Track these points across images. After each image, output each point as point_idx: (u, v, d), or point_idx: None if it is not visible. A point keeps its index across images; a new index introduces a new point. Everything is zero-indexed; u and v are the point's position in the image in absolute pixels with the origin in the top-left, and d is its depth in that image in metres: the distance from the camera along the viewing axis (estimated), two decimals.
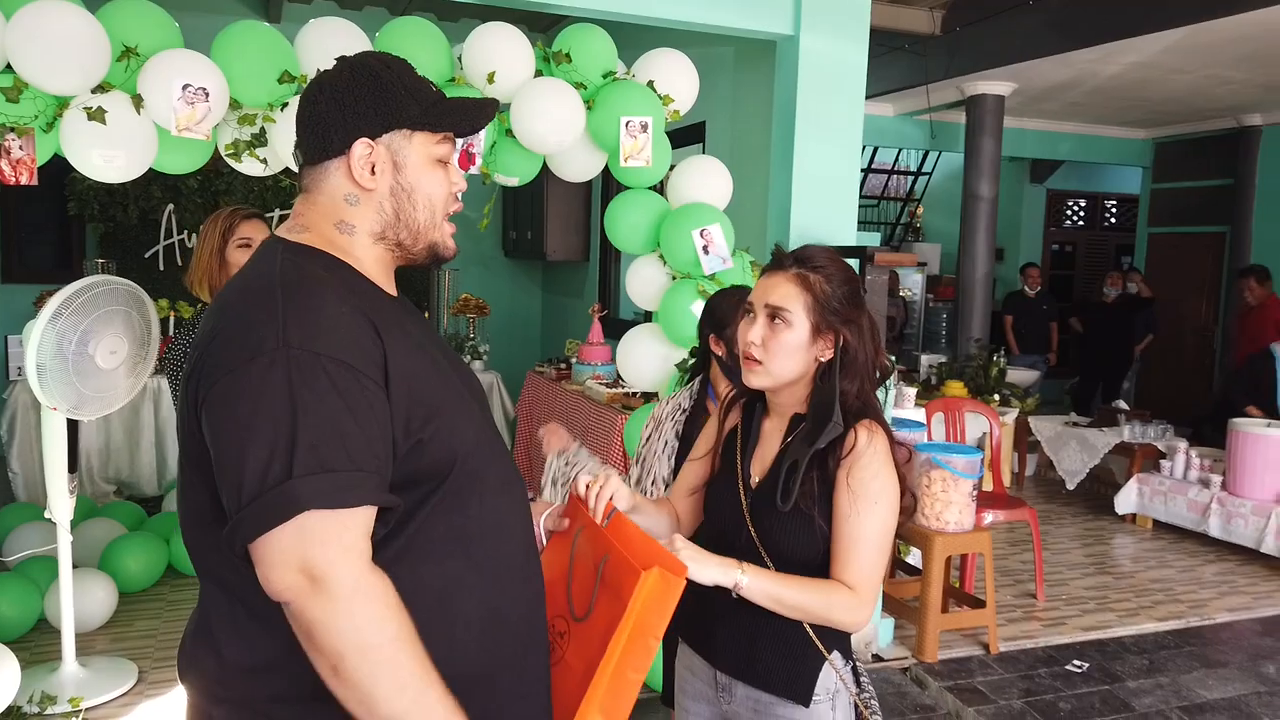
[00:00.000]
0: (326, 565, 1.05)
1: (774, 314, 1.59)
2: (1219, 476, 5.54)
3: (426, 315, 6.31)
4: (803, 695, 1.60)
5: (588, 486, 1.50)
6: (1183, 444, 5.96)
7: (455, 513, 1.21)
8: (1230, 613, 4.59)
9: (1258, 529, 5.22)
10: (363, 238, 1.26)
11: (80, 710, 3.09)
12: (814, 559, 1.58)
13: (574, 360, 5.29)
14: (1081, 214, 11.98)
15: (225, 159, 2.87)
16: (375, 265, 1.28)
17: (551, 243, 6.55)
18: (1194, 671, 3.87)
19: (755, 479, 1.66)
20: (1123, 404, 6.85)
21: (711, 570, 1.48)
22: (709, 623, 1.64)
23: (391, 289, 1.32)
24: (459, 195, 1.33)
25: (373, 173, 1.24)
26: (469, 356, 5.94)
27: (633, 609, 1.29)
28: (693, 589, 1.50)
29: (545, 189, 6.39)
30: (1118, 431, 6.26)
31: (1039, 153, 9.47)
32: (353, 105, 1.23)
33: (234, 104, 2.74)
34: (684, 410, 2.44)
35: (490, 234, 7.39)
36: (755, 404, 1.72)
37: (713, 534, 1.66)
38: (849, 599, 1.54)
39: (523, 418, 5.59)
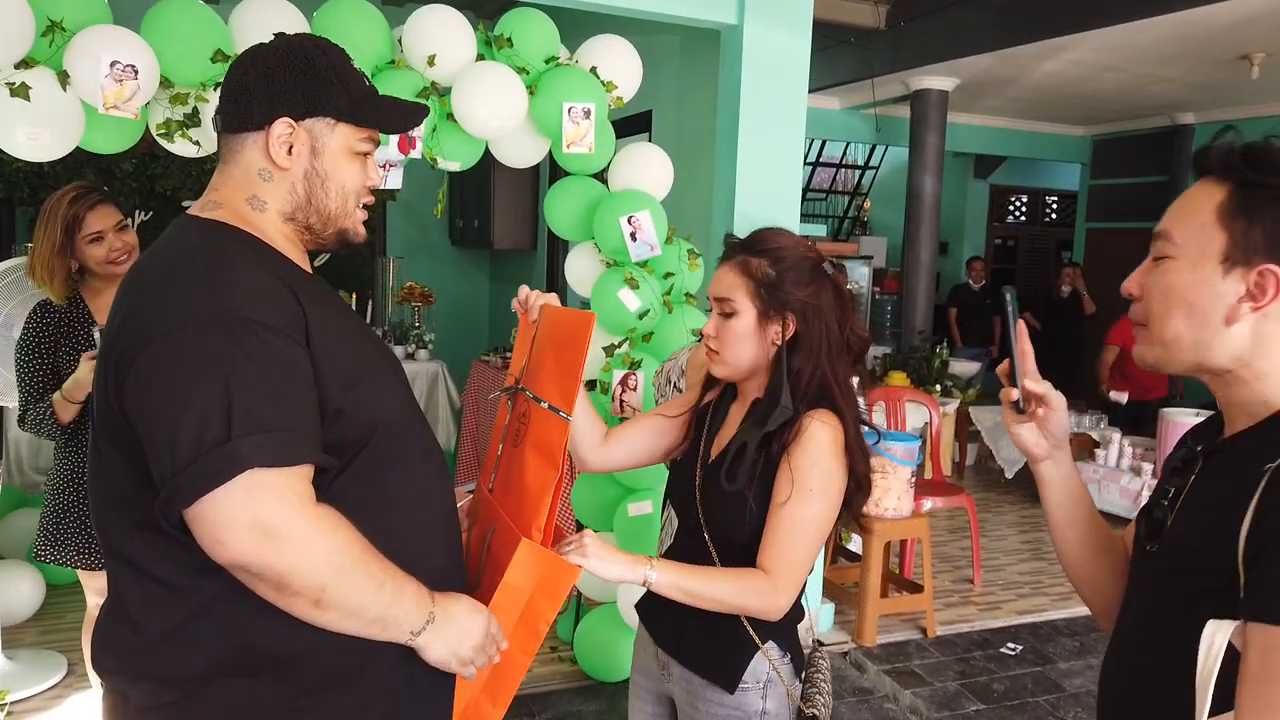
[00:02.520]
0: (280, 518, 1.05)
1: (720, 306, 1.60)
2: (1150, 465, 5.70)
3: (370, 304, 6.23)
4: (729, 682, 1.60)
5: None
6: (1116, 434, 6.12)
7: (372, 481, 1.22)
8: None
9: None
10: (273, 215, 1.27)
11: (6, 704, 3.01)
12: (747, 542, 1.58)
13: None
14: (1023, 209, 12.23)
15: (157, 139, 2.80)
16: (286, 242, 1.29)
17: (499, 231, 6.50)
18: None
19: (712, 458, 1.68)
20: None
21: (617, 568, 1.48)
22: (658, 599, 1.63)
23: (306, 266, 1.32)
24: (373, 189, 1.35)
25: (289, 153, 1.24)
26: (414, 345, 5.88)
27: (507, 579, 1.32)
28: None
29: (492, 177, 6.34)
30: None
31: (982, 148, 9.64)
32: (281, 83, 1.23)
33: (165, 82, 2.67)
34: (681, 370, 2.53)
35: (437, 223, 7.31)
36: (732, 385, 1.74)
37: (676, 506, 1.72)
38: (763, 584, 1.52)
39: (469, 407, 5.56)
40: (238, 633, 1.14)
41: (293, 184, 1.26)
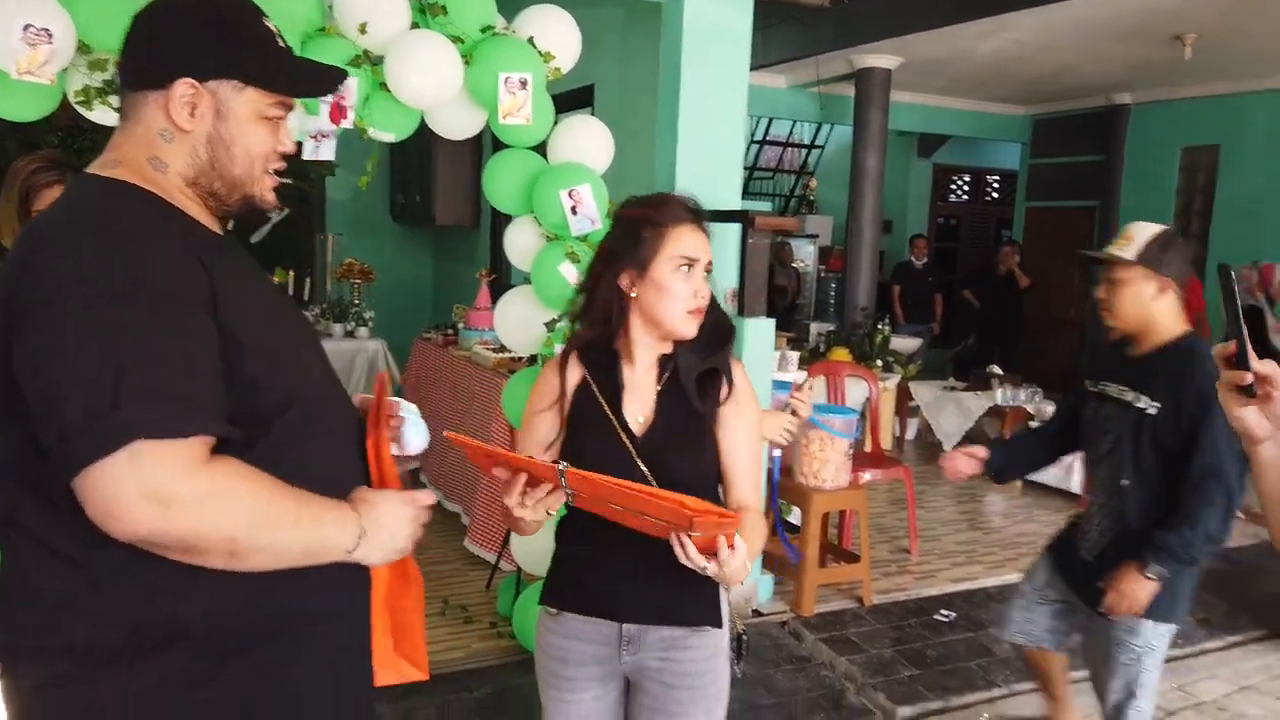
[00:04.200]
0: (171, 485, 1.03)
1: (702, 266, 1.70)
2: None
3: (309, 281, 6.13)
4: (717, 618, 1.74)
5: None
6: (1050, 407, 6.26)
7: (289, 452, 1.19)
8: None
9: None
10: (174, 177, 1.22)
11: None
12: (705, 483, 1.71)
13: (461, 326, 5.23)
14: (966, 188, 12.41)
15: (75, 107, 2.71)
16: (193, 204, 1.24)
17: (441, 207, 6.43)
18: None
19: (639, 425, 1.69)
20: (997, 369, 7.14)
21: (742, 568, 1.48)
22: (611, 583, 1.66)
23: (216, 227, 1.28)
24: (285, 154, 1.31)
25: (192, 115, 1.20)
26: (354, 323, 5.81)
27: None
28: (584, 558, 1.68)
29: (433, 152, 6.26)
30: (991, 395, 6.54)
31: (925, 127, 9.76)
32: (187, 40, 1.19)
33: (83, 47, 2.58)
34: None
35: (378, 199, 7.21)
36: (599, 356, 1.73)
37: None
38: (759, 515, 1.71)
39: (410, 386, 5.50)
40: (140, 604, 1.12)
41: (194, 147, 1.21)
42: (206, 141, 1.21)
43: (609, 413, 1.69)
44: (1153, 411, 2.26)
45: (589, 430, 1.70)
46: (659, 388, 1.73)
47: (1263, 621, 4.19)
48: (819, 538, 4.05)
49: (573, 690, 1.76)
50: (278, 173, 1.32)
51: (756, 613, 4.01)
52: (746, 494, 1.73)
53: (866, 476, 4.54)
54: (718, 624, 1.73)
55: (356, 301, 6.08)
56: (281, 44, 1.27)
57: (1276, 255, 6.15)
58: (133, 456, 1.01)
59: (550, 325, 3.27)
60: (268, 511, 1.11)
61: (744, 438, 1.74)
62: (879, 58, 7.41)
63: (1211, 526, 2.18)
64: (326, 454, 1.26)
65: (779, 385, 4.56)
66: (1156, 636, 2.37)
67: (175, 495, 1.03)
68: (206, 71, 1.19)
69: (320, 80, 1.31)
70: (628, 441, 1.67)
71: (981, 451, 2.56)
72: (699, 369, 1.71)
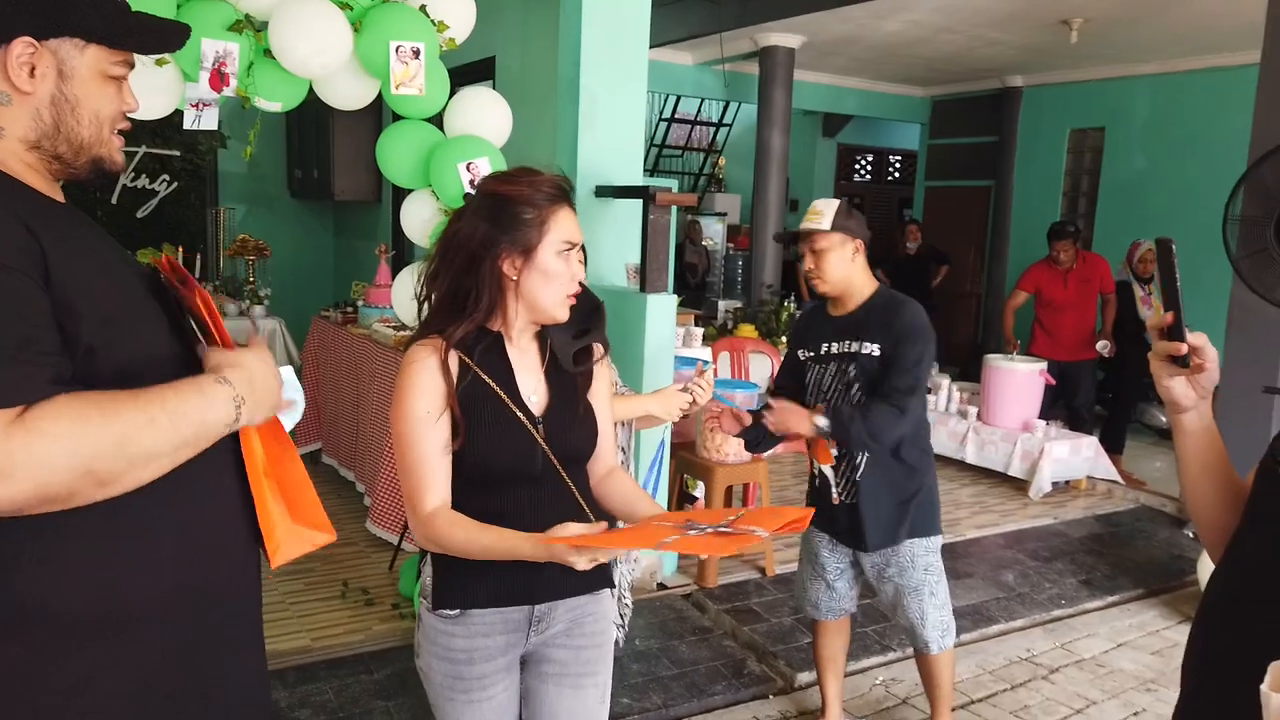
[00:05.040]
0: (4, 443, 0.96)
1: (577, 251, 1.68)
2: (975, 408, 6.07)
3: (199, 257, 5.90)
4: (609, 579, 1.81)
5: None
6: (946, 380, 6.47)
7: None
8: (979, 529, 5.06)
9: (1006, 454, 5.77)
10: (13, 142, 1.16)
11: None
12: (589, 455, 1.76)
13: (361, 303, 5.11)
14: (869, 168, 12.67)
15: None
16: (29, 171, 1.18)
17: (340, 182, 6.25)
18: None
19: (537, 406, 1.67)
20: None
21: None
22: (524, 568, 1.59)
23: (56, 195, 1.22)
24: (129, 113, 1.25)
25: (32, 75, 1.13)
26: (248, 301, 5.62)
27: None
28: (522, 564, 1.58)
29: (331, 125, 6.08)
30: None
31: (829, 107, 9.90)
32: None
33: None
34: None
35: (274, 173, 6.97)
36: (475, 342, 1.64)
37: (498, 476, 1.62)
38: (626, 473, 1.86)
39: (309, 364, 5.36)
40: None
41: (37, 110, 1.15)
42: (50, 104, 1.15)
43: (507, 399, 1.63)
44: (875, 353, 2.55)
45: (491, 421, 1.61)
46: (544, 367, 1.71)
47: (1139, 581, 4.43)
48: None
49: (484, 689, 1.69)
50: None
51: (661, 586, 4.05)
52: (613, 457, 1.83)
53: (768, 450, 4.60)
54: (611, 584, 1.83)
55: (251, 279, 5.88)
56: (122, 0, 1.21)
57: (1157, 234, 6.43)
58: None
59: None
60: (112, 428, 1.04)
61: (606, 406, 1.81)
62: (782, 36, 7.48)
63: (877, 426, 2.48)
64: None
65: (683, 361, 4.60)
66: (928, 551, 2.68)
67: (10, 453, 0.97)
68: (45, 29, 1.13)
69: (164, 36, 1.24)
70: (529, 424, 1.64)
71: (748, 419, 2.72)
72: (575, 346, 1.71)
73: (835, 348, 2.63)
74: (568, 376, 1.72)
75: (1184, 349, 1.19)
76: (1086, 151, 8.85)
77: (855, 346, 2.58)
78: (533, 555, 1.50)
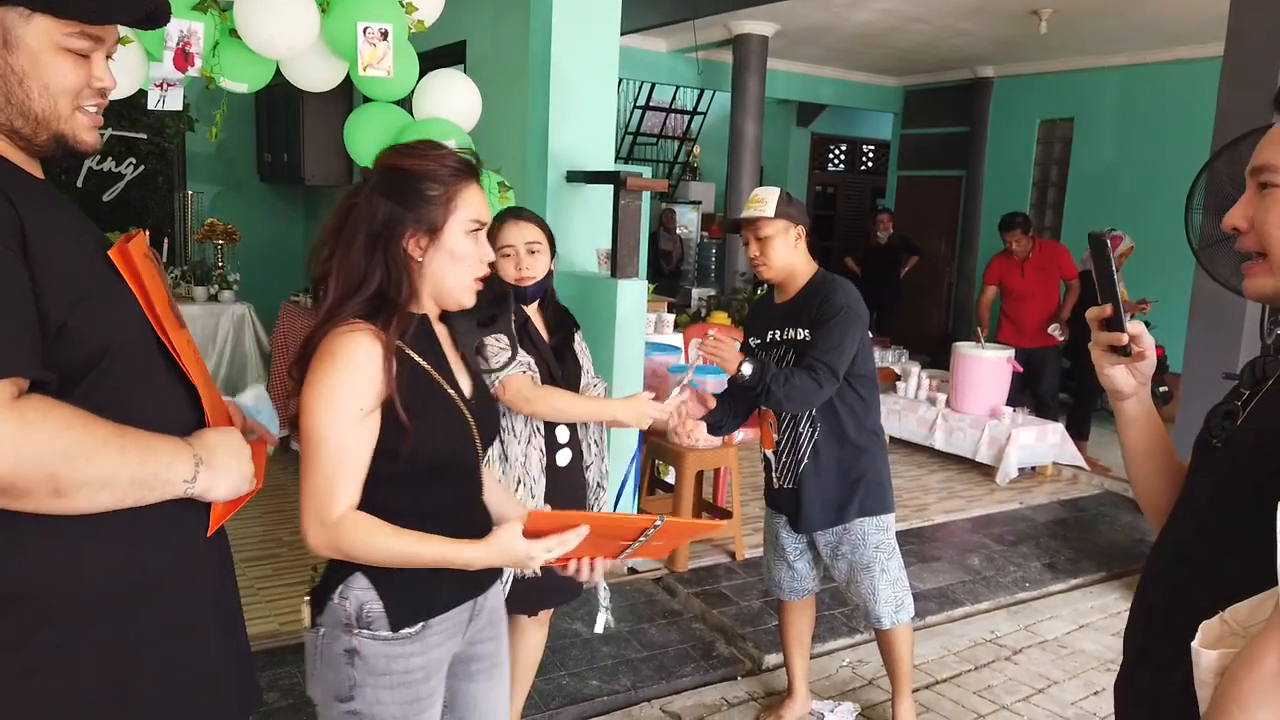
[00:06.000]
0: None
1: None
2: (944, 395, 6.13)
3: (166, 241, 5.83)
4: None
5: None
6: (916, 368, 6.53)
7: (112, 401, 1.14)
8: (946, 514, 5.12)
9: (974, 440, 5.84)
10: None
11: None
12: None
13: None
14: (842, 158, 12.71)
15: None
16: (5, 145, 1.16)
17: (310, 166, 6.18)
18: (911, 566, 4.29)
19: (466, 389, 1.60)
20: (869, 333, 7.38)
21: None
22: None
23: (34, 170, 1.20)
24: (103, 91, 1.22)
25: None
26: (217, 286, 5.57)
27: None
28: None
29: (301, 108, 6.01)
30: None
31: (802, 95, 9.92)
32: None
33: None
34: None
35: (244, 157, 6.89)
36: (405, 331, 1.52)
37: (441, 469, 1.53)
38: None
39: (278, 350, 5.33)
40: None
41: None
42: None
43: (448, 388, 1.53)
44: (806, 338, 2.60)
45: (437, 410, 1.51)
46: (460, 353, 1.64)
47: (1102, 565, 4.50)
48: (693, 496, 4.13)
49: (434, 704, 1.57)
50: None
51: (632, 570, 4.07)
52: None
53: (739, 436, 4.64)
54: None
55: (220, 264, 5.82)
56: None
57: (1125, 224, 6.53)
58: None
59: None
60: (85, 441, 1.05)
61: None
62: (756, 24, 7.49)
63: (793, 390, 2.50)
64: (148, 408, 1.20)
65: (654, 348, 4.61)
66: (879, 529, 2.72)
67: None
68: None
69: (119, 5, 1.20)
70: (466, 412, 1.55)
71: (712, 401, 2.79)
72: (478, 335, 1.66)
73: (778, 334, 2.69)
74: (472, 363, 1.67)
75: (1124, 339, 1.22)
76: (1056, 142, 8.94)
77: (792, 333, 2.64)
78: (483, 561, 1.44)
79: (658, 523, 1.49)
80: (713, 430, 2.86)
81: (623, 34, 4.18)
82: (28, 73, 1.14)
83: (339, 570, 1.48)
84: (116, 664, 1.17)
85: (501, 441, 2.36)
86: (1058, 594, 4.23)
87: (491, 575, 1.64)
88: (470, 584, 1.58)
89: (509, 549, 1.44)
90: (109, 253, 1.17)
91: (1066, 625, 3.93)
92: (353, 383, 1.40)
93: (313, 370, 1.42)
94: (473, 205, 1.51)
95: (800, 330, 2.62)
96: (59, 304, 1.08)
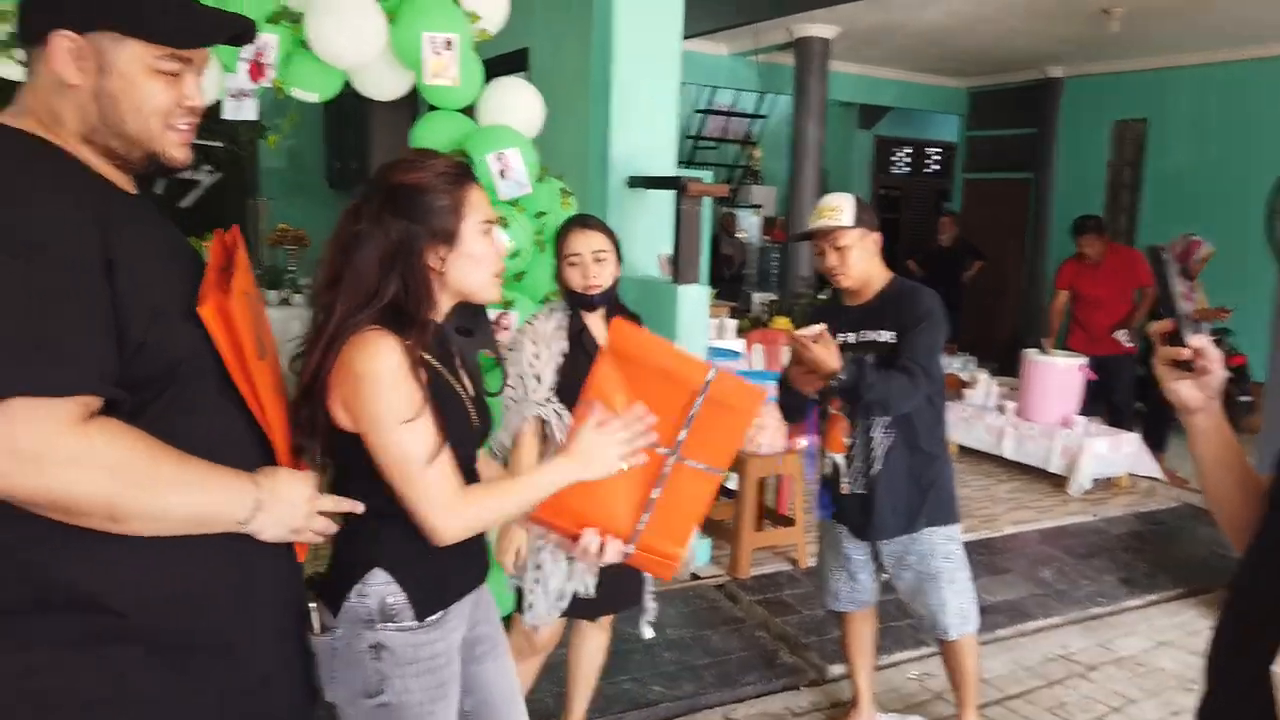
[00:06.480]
0: (41, 443, 1.00)
1: None
2: (1013, 403, 5.99)
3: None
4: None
5: None
6: (984, 375, 6.39)
7: (179, 421, 1.16)
8: (1016, 525, 5.00)
9: (1045, 449, 5.69)
10: (72, 133, 1.18)
11: None
12: None
13: None
14: (907, 160, 12.53)
15: None
16: (97, 159, 1.20)
17: None
18: (980, 578, 4.14)
19: (472, 390, 1.64)
20: None
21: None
22: (477, 550, 1.63)
23: (124, 184, 1.23)
24: (194, 109, 1.25)
25: (79, 68, 1.15)
26: (288, 290, 5.69)
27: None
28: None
29: (369, 117, 6.12)
30: None
31: (865, 98, 9.81)
32: None
33: None
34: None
35: (313, 163, 7.05)
36: (433, 342, 1.56)
37: (468, 460, 1.60)
38: None
39: None
40: (33, 568, 1.09)
41: (83, 102, 1.16)
42: (94, 97, 1.16)
43: (460, 391, 1.58)
44: (892, 340, 2.56)
45: (452, 412, 1.53)
46: (458, 357, 1.66)
47: (1181, 580, 4.34)
48: (755, 502, 4.09)
49: (455, 683, 1.60)
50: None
51: (694, 576, 4.05)
52: None
53: (803, 442, 4.58)
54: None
55: (291, 268, 5.95)
56: None
57: (1204, 228, 6.31)
58: (4, 413, 0.99)
59: None
60: (148, 473, 1.08)
61: None
62: (818, 26, 7.42)
63: (892, 391, 2.45)
64: (223, 425, 1.23)
65: (716, 353, 4.59)
66: (947, 539, 2.67)
67: (46, 454, 1.00)
68: (84, 23, 1.14)
69: (209, 29, 1.23)
70: (472, 410, 1.59)
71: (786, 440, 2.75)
72: (473, 346, 1.69)
73: (853, 337, 2.63)
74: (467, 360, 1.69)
75: (1186, 353, 1.20)
76: (1129, 143, 8.68)
77: (873, 335, 2.60)
78: (578, 472, 1.52)
79: (710, 375, 1.54)
80: (788, 416, 2.84)
81: (684, 38, 4.17)
82: (122, 95, 1.17)
83: (351, 570, 1.49)
84: (174, 666, 1.19)
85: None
86: (1134, 610, 4.09)
87: (488, 560, 1.71)
88: (479, 568, 1.67)
89: (591, 447, 1.52)
90: (199, 312, 1.17)
91: (1144, 642, 3.79)
92: (398, 391, 1.40)
93: (357, 399, 1.41)
94: (480, 207, 1.54)
95: (883, 333, 2.57)
96: (138, 322, 1.11)
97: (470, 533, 1.49)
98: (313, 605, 1.52)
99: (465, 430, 1.57)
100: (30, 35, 1.16)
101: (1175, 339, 1.21)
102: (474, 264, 1.52)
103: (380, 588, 1.48)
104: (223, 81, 2.88)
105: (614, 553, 1.61)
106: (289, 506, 1.24)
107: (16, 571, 1.09)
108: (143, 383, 1.12)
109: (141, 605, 1.15)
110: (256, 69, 2.81)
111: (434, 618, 1.53)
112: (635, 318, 2.59)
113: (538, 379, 2.39)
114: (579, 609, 2.41)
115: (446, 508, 1.43)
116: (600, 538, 1.60)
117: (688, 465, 1.57)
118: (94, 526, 1.07)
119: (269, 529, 1.23)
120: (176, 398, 1.16)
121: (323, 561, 1.56)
